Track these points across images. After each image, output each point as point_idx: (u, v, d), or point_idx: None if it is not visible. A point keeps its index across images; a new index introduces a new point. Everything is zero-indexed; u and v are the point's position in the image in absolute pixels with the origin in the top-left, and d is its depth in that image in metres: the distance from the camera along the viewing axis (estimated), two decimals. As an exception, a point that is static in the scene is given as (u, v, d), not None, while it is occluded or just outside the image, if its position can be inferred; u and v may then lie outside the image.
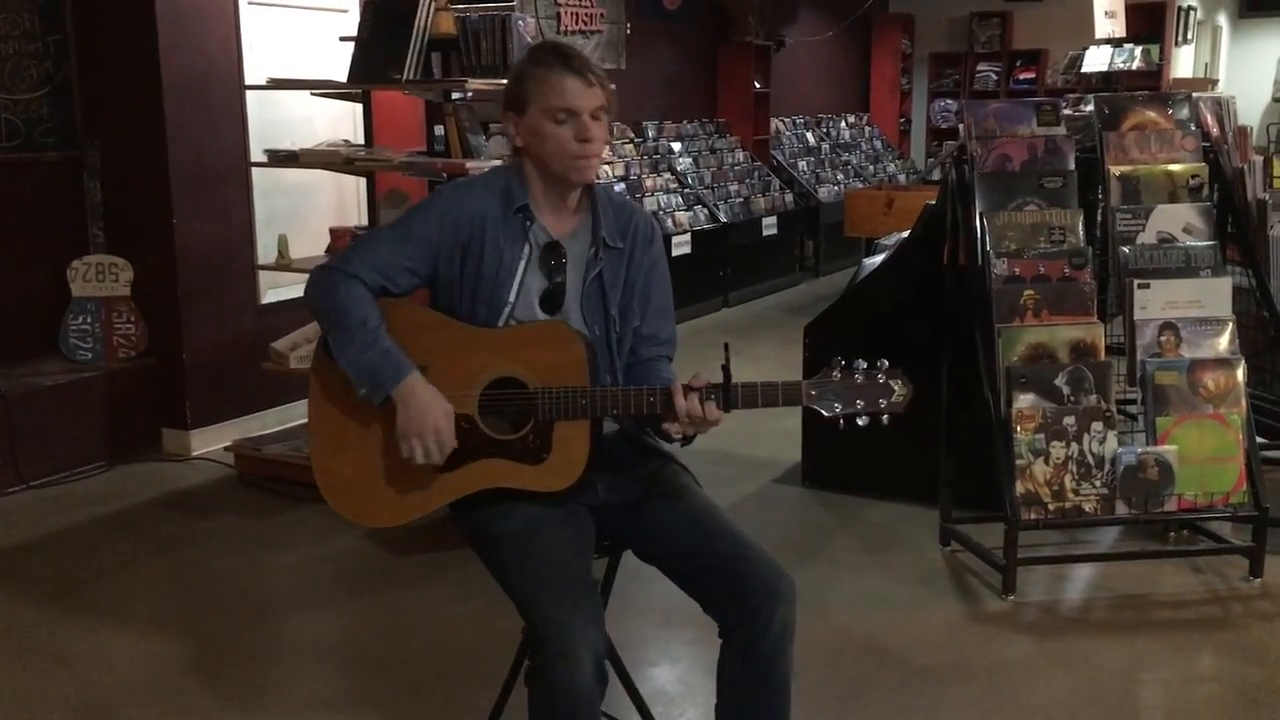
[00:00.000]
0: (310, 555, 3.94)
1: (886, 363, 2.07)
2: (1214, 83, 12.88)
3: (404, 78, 4.16)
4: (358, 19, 5.31)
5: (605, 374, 2.21)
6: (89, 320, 4.91)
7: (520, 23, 4.31)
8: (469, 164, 4.12)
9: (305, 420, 5.03)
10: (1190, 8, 12.60)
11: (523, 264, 2.19)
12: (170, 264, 4.88)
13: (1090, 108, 4.36)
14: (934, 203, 4.24)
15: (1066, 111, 3.97)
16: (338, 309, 2.13)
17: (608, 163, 7.60)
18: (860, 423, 2.05)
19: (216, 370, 5.06)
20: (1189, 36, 12.69)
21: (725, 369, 2.04)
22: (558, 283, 2.21)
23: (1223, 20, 15.01)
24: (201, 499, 4.51)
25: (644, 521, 2.21)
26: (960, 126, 11.29)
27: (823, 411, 2.06)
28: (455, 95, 4.34)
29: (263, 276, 5.18)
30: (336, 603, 3.59)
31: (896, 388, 2.05)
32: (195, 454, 4.97)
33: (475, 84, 4.14)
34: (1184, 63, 12.57)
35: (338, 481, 2.19)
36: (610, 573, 2.37)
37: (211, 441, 5.03)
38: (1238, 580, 3.63)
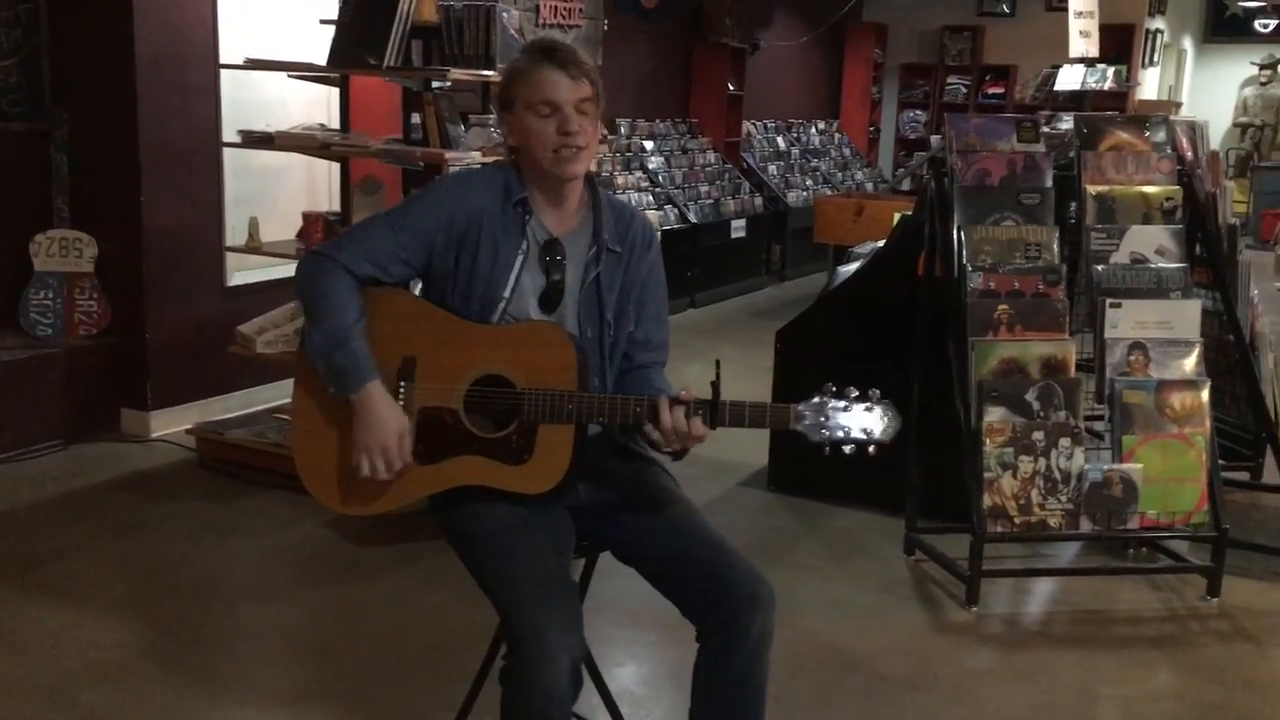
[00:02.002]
0: (272, 543, 3.89)
1: (878, 392, 2.06)
2: (1178, 105, 13.07)
3: (385, 64, 4.11)
4: (338, 2, 5.27)
5: (595, 378, 2.20)
6: (50, 296, 4.81)
7: (504, 14, 4.29)
8: (448, 154, 4.08)
9: (268, 405, 5.03)
10: (1158, 31, 12.77)
11: (520, 259, 2.17)
12: (136, 242, 4.80)
13: (1065, 125, 4.41)
14: (909, 213, 4.26)
15: (1045, 129, 4.00)
16: (319, 299, 2.11)
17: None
18: (846, 450, 2.04)
19: (179, 351, 4.98)
20: (1155, 59, 12.86)
21: (715, 385, 2.03)
22: (555, 281, 2.19)
23: (1188, 44, 15.23)
24: (161, 482, 4.44)
25: (625, 524, 2.20)
26: (932, 139, 11.33)
27: (809, 437, 2.04)
28: (435, 84, 4.30)
29: (229, 259, 5.10)
30: (298, 592, 3.54)
31: (886, 419, 2.04)
32: (154, 436, 4.88)
33: (457, 74, 4.10)
34: (1150, 84, 12.74)
35: (317, 466, 2.17)
36: (587, 574, 2.36)
37: (171, 424, 4.95)
38: (1195, 599, 3.68)
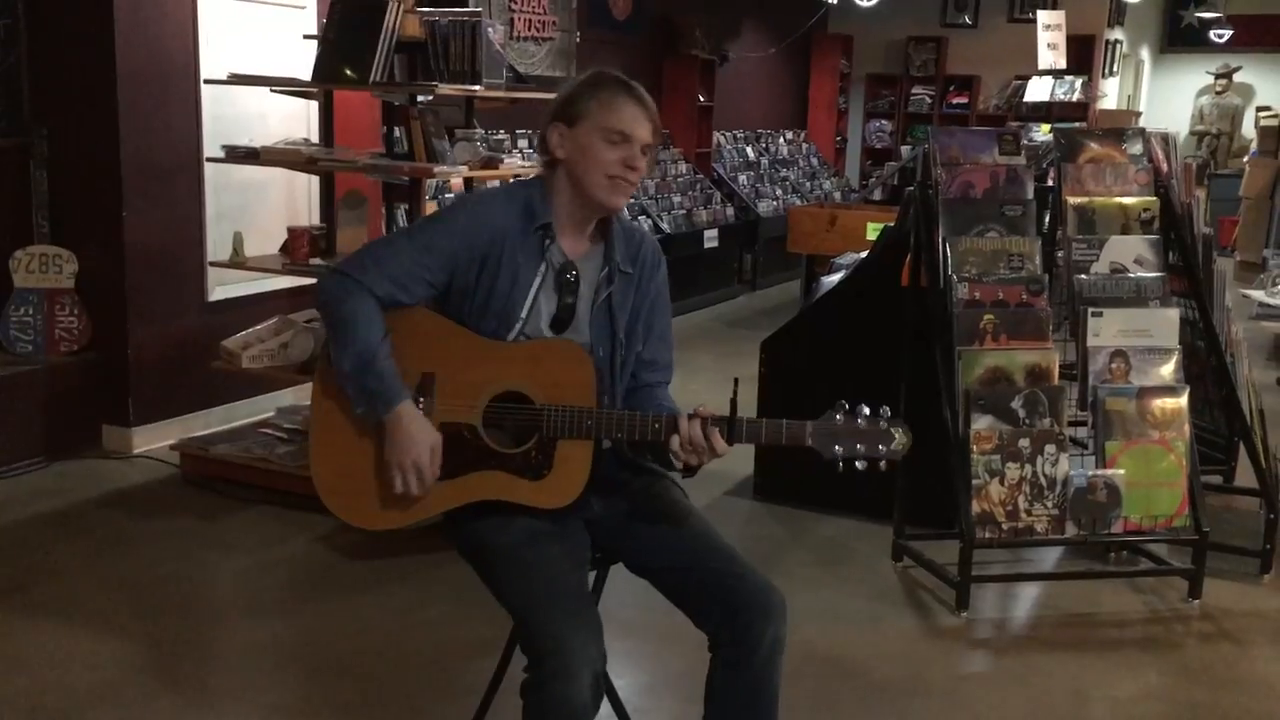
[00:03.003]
0: (263, 558, 3.88)
1: (889, 410, 2.10)
2: (1137, 115, 13.28)
3: (371, 79, 4.13)
4: (319, 17, 5.28)
5: (605, 396, 2.23)
6: (30, 312, 4.78)
7: (490, 29, 4.32)
8: (436, 168, 4.11)
9: (252, 420, 5.02)
10: (1117, 41, 12.99)
11: (537, 282, 2.20)
12: (118, 257, 4.77)
13: (1037, 137, 4.50)
14: (891, 224, 4.33)
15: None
16: (345, 321, 2.13)
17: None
18: (858, 466, 2.08)
19: (161, 367, 4.96)
20: (1115, 69, 13.08)
21: (733, 402, 2.07)
22: (568, 304, 2.22)
23: (1145, 54, 15.48)
24: (146, 498, 4.41)
25: (638, 536, 2.24)
26: (903, 149, 11.46)
27: (823, 453, 2.09)
28: (420, 99, 4.32)
29: (210, 273, 5.09)
30: (293, 607, 3.54)
31: (897, 435, 2.09)
32: (137, 452, 4.86)
33: (445, 89, 4.12)
34: (1109, 95, 12.95)
35: (335, 481, 2.19)
36: (598, 585, 2.39)
37: (153, 440, 4.93)
38: (1177, 601, 3.76)
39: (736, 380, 2.16)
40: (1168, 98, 15.71)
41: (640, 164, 2.17)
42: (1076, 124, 9.21)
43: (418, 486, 2.12)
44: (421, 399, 2.14)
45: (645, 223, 8.41)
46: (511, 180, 3.13)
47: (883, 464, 2.09)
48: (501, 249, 2.18)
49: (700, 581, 2.15)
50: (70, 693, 2.96)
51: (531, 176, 2.32)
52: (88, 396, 4.87)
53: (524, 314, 2.19)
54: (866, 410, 2.09)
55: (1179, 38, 15.90)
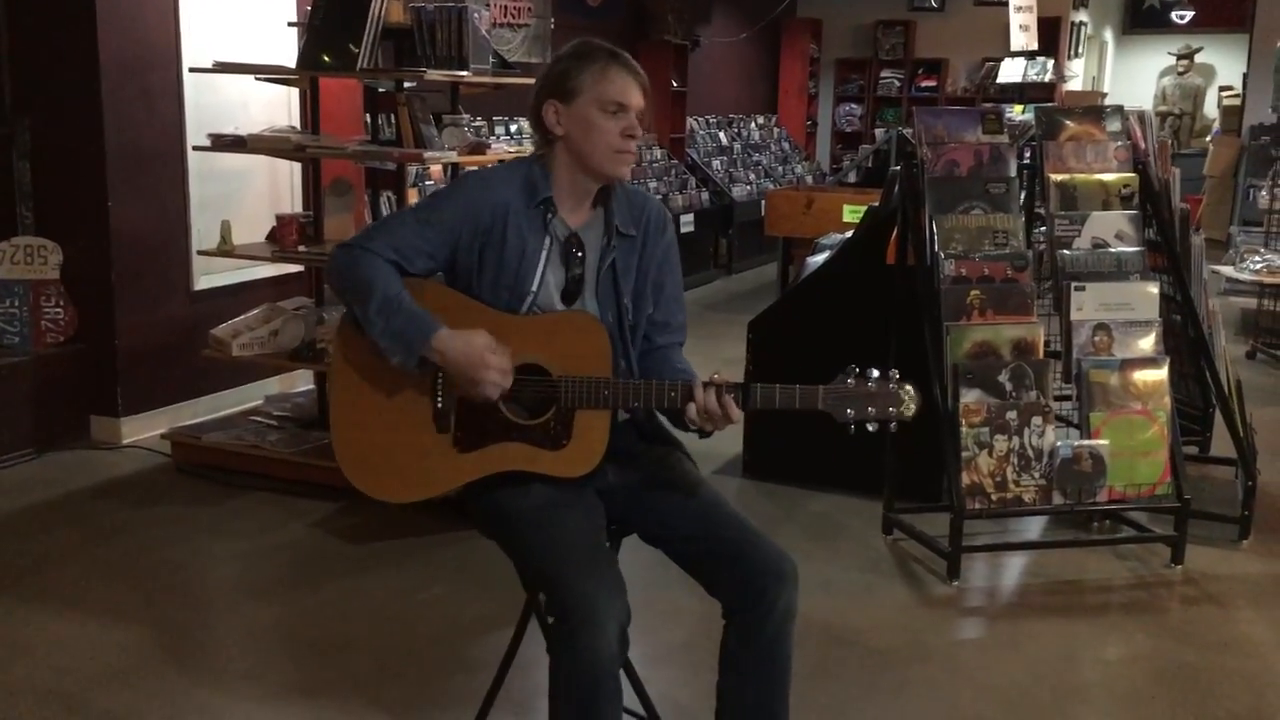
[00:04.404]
0: (263, 543, 3.91)
1: (897, 373, 2.16)
2: (1103, 95, 13.44)
3: (358, 66, 4.14)
4: (299, 4, 5.28)
5: (620, 359, 2.28)
6: (16, 304, 4.77)
7: (476, 15, 4.34)
8: (426, 154, 4.13)
9: (241, 408, 5.04)
10: (1081, 23, 13.13)
11: (544, 255, 2.24)
12: (104, 247, 4.77)
13: (1015, 118, 4.57)
14: (877, 204, 4.40)
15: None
16: (362, 282, 2.16)
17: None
18: (870, 428, 2.13)
19: (148, 357, 4.96)
20: (1080, 51, 13.23)
21: (748, 370, 2.13)
22: (575, 275, 2.27)
23: (1109, 36, 15.67)
24: (139, 487, 4.42)
25: (651, 506, 2.29)
26: (876, 132, 11.51)
27: (835, 416, 2.14)
28: (406, 85, 4.34)
29: (196, 263, 5.09)
30: (296, 590, 3.57)
31: (906, 397, 2.15)
32: (126, 442, 4.86)
33: (434, 74, 4.14)
34: (1076, 76, 13.10)
35: (357, 455, 2.22)
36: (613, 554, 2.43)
37: (142, 430, 4.93)
38: (1160, 567, 3.86)
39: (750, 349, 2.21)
40: (1131, 78, 15.91)
41: (639, 132, 2.22)
42: (1049, 105, 9.33)
43: (504, 381, 2.13)
44: (440, 372, 2.18)
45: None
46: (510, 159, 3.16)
47: (893, 425, 2.15)
48: (505, 223, 2.22)
49: (713, 550, 2.21)
50: (80, 677, 2.99)
51: (529, 154, 2.36)
52: (75, 387, 4.86)
53: (534, 287, 2.23)
54: (876, 373, 2.15)
55: (1141, 19, 16.11)
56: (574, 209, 2.30)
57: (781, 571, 2.18)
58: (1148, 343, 3.89)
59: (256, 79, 4.71)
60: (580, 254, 2.28)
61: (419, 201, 2.34)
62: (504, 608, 3.19)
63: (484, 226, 2.23)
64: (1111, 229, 3.94)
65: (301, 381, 5.44)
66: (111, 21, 4.67)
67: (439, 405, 2.20)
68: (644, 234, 2.34)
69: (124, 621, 3.30)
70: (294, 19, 5.17)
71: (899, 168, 3.99)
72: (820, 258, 4.88)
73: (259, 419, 4.82)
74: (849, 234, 4.85)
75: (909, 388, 2.15)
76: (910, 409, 2.14)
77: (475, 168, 4.25)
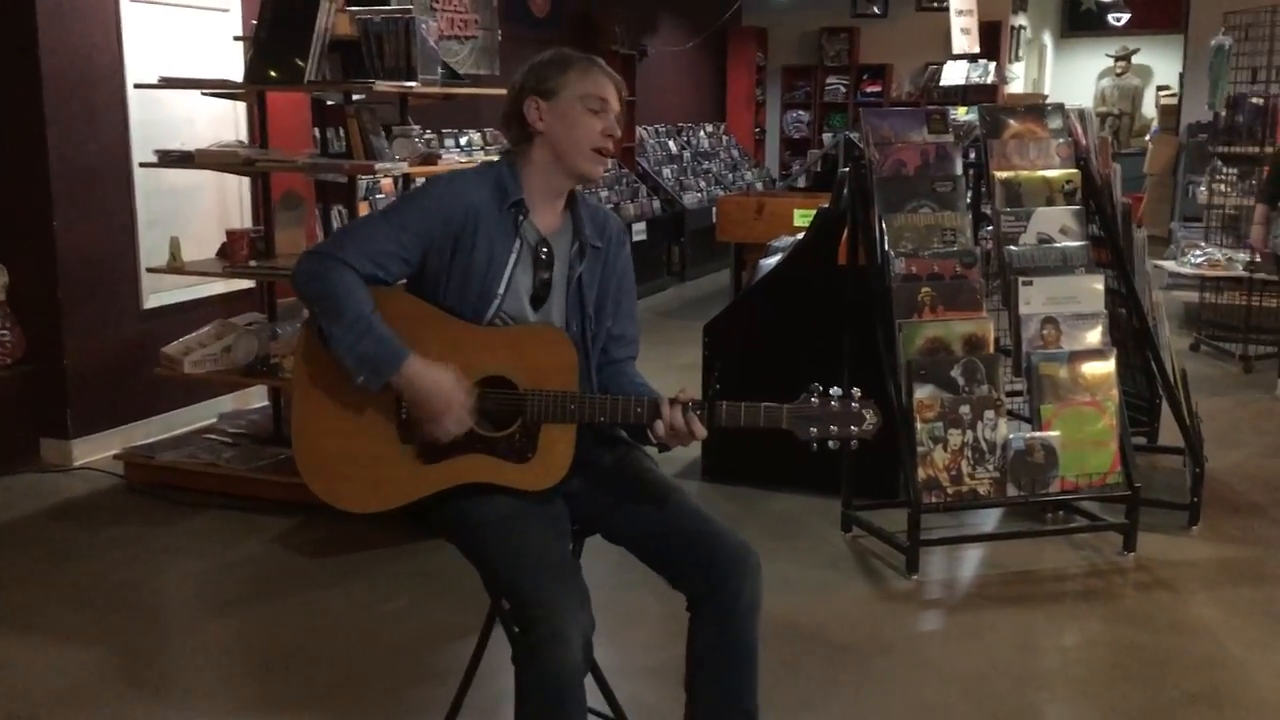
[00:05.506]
0: (220, 561, 3.87)
1: (859, 391, 2.18)
2: (1044, 97, 13.64)
3: (306, 78, 4.13)
4: (245, 18, 5.25)
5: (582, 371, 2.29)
6: (-39, 327, 4.69)
7: (423, 26, 4.34)
8: (377, 165, 4.12)
9: (193, 427, 4.99)
10: (1021, 26, 13.34)
11: (513, 259, 2.25)
12: (50, 268, 4.70)
13: (959, 119, 4.65)
14: (827, 205, 4.44)
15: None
16: (331, 296, 2.14)
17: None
18: (831, 445, 2.16)
19: (98, 377, 4.90)
20: (1020, 54, 13.43)
21: (715, 387, 2.13)
22: (545, 279, 2.27)
23: (1047, 39, 15.92)
24: (92, 509, 4.37)
25: (613, 506, 2.30)
26: (824, 137, 11.56)
27: (798, 435, 2.16)
28: (355, 97, 4.33)
29: (145, 281, 5.04)
30: (256, 606, 3.54)
31: (868, 416, 2.17)
32: (77, 464, 4.79)
33: (383, 86, 4.14)
34: (1017, 78, 13.30)
35: (319, 464, 2.21)
36: (576, 556, 2.44)
37: (93, 451, 4.87)
38: (1113, 555, 3.93)
39: (719, 365, 2.23)
40: (1070, 80, 16.17)
41: (618, 133, 2.27)
42: (992, 104, 9.47)
43: (457, 429, 2.14)
44: None
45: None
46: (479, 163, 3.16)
47: (854, 443, 2.18)
48: (476, 226, 2.22)
49: (677, 543, 2.22)
50: (38, 698, 2.94)
51: (496, 158, 2.37)
52: (24, 410, 4.79)
53: (501, 290, 2.23)
54: (839, 392, 2.17)
55: (1079, 21, 16.38)
56: (545, 213, 2.30)
57: (745, 561, 2.21)
58: (1094, 335, 3.97)
59: (203, 94, 4.68)
60: (549, 258, 2.28)
61: (389, 205, 2.33)
62: (467, 616, 3.19)
63: (455, 229, 2.22)
64: (1056, 224, 4.01)
65: (256, 398, 5.40)
66: (53, 39, 4.62)
67: (403, 416, 2.20)
68: (608, 245, 2.37)
69: (79, 642, 3.26)
70: (240, 33, 5.14)
71: (848, 169, 4.03)
72: (773, 260, 4.91)
73: (213, 436, 4.77)
74: (800, 236, 4.89)
75: (870, 407, 2.17)
76: (870, 428, 2.17)
77: (436, 174, 4.25)
